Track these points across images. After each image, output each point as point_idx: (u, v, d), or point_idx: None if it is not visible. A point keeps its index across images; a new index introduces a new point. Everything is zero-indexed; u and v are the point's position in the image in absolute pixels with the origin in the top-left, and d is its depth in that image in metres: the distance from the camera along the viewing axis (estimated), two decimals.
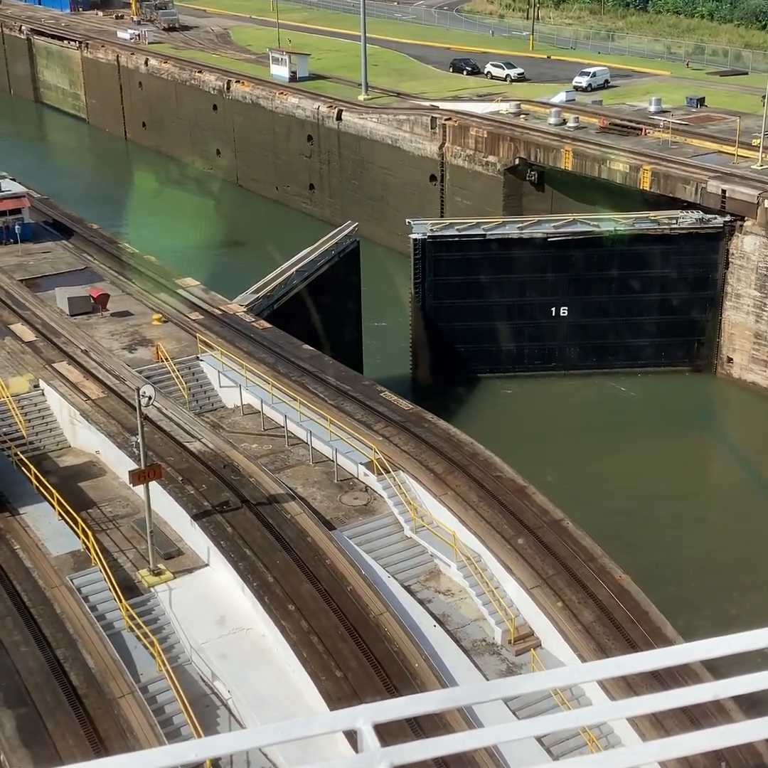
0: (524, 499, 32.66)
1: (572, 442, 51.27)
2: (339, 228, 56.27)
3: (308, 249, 52.74)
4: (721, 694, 3.37)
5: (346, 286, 54.26)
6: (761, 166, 59.71)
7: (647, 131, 67.89)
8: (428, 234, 56.46)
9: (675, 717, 22.98)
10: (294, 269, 50.56)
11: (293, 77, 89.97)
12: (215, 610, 29.06)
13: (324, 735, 3.24)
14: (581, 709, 3.41)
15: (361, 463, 34.56)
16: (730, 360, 57.88)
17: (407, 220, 59.17)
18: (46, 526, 32.10)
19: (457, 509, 32.19)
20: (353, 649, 26.65)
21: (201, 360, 41.44)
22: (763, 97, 62.16)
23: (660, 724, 23.63)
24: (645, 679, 22.44)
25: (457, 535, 31.32)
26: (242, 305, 46.75)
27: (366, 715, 3.19)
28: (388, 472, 33.72)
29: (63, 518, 31.74)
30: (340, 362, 42.61)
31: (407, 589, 30.35)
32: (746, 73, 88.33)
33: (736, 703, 22.66)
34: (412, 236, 56.42)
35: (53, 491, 32.28)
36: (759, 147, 60.55)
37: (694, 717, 22.51)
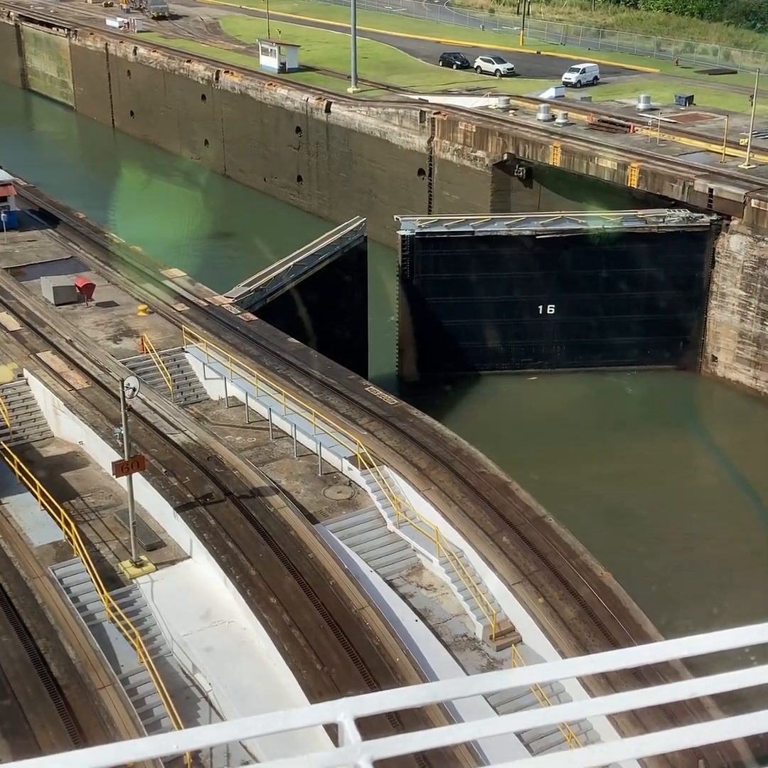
0: (507, 495, 32.75)
1: (557, 439, 51.37)
2: (345, 223, 56.16)
3: (311, 243, 52.69)
4: (700, 692, 3.39)
5: (352, 282, 54.22)
6: (748, 165, 59.89)
7: (636, 129, 68.02)
8: (416, 230, 56.41)
9: (653, 714, 23.08)
10: (292, 263, 50.49)
11: (282, 68, 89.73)
12: (197, 602, 29.05)
13: (305, 728, 3.25)
14: (561, 706, 3.44)
15: (345, 457, 34.59)
16: (714, 359, 58.10)
17: (395, 216, 59.08)
18: (28, 516, 32.03)
19: (441, 504, 32.25)
20: (335, 643, 26.69)
21: (186, 352, 41.35)
22: (752, 96, 62.35)
23: (639, 721, 23.74)
24: (625, 676, 22.56)
25: (440, 530, 31.38)
26: (232, 298, 46.60)
27: (347, 709, 3.19)
28: (372, 466, 33.75)
29: (45, 508, 31.67)
30: (342, 359, 42.56)
31: (389, 583, 30.41)
32: (735, 72, 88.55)
33: (715, 701, 22.78)
34: (401, 233, 56.36)
35: (36, 481, 32.21)
36: (746, 146, 60.73)
37: (672, 714, 22.63)
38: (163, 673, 26.50)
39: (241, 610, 28.18)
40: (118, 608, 28.03)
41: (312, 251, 52.08)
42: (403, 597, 29.95)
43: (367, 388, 39.52)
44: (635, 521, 44.71)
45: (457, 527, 31.35)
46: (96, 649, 26.49)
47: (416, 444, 35.20)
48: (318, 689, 25.30)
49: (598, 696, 3.56)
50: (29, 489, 32.54)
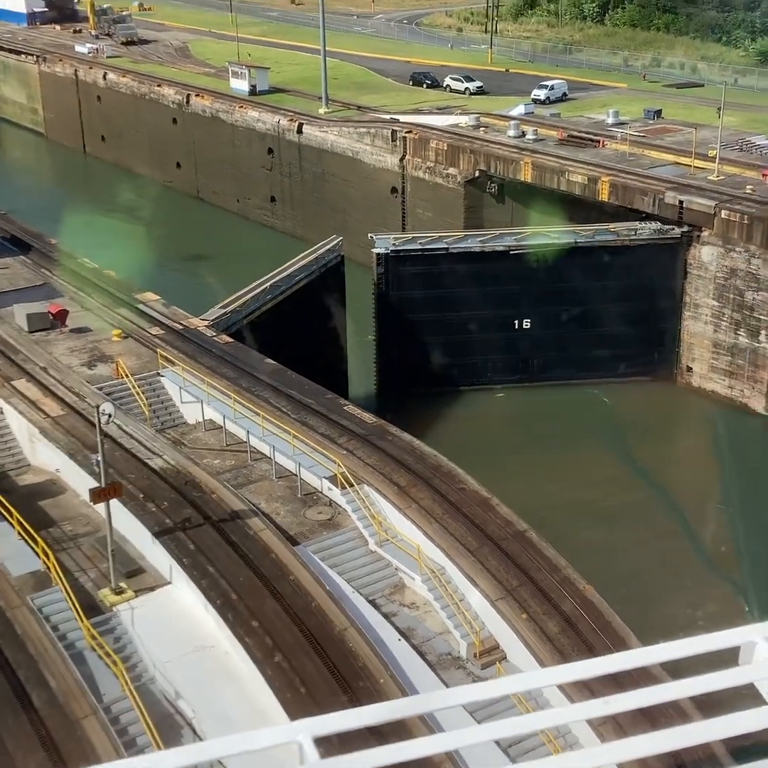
0: (488, 510, 32.71)
1: (535, 452, 51.46)
2: (321, 242, 56.21)
3: (287, 263, 52.70)
4: (678, 696, 3.43)
5: (330, 301, 54.25)
6: (717, 177, 60.40)
7: (605, 143, 68.51)
8: (391, 248, 56.55)
9: (633, 718, 23.02)
10: (269, 284, 50.44)
11: (253, 91, 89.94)
12: (178, 628, 28.81)
13: (267, 749, 3.25)
14: (539, 712, 3.46)
15: (325, 477, 34.47)
16: (689, 369, 58.41)
17: (370, 234, 59.19)
18: (5, 545, 31.70)
19: (421, 522, 32.17)
20: (318, 665, 26.51)
21: (162, 376, 41.15)
22: (719, 108, 62.93)
23: (618, 726, 23.66)
24: (603, 681, 22.49)
25: (422, 548, 31.30)
26: (208, 320, 46.49)
27: (307, 729, 3.22)
28: (352, 485, 33.64)
29: (23, 538, 31.34)
30: (322, 378, 42.49)
31: (372, 603, 30.27)
32: (702, 85, 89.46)
33: (694, 704, 22.74)
34: (375, 250, 56.48)
35: (12, 510, 31.88)
36: (715, 158, 61.25)
37: (652, 718, 22.59)
38: (146, 700, 26.22)
39: (223, 634, 27.97)
40: (98, 636, 27.74)
41: (289, 271, 52.05)
42: (386, 616, 29.82)
43: (345, 407, 39.46)
44: (613, 530, 44.78)
45: (438, 544, 31.27)
46: (77, 679, 26.20)
47: (396, 462, 35.14)
48: (302, 713, 24.97)
49: (576, 701, 3.56)
50: (6, 518, 32.21)
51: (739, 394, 56.22)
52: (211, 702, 26.41)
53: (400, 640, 28.79)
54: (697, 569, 42.96)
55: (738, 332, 55.53)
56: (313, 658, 26.68)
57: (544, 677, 3.74)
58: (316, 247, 55.68)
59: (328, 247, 55.30)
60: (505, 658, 28.65)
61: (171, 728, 26.20)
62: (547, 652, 27.55)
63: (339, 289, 55.55)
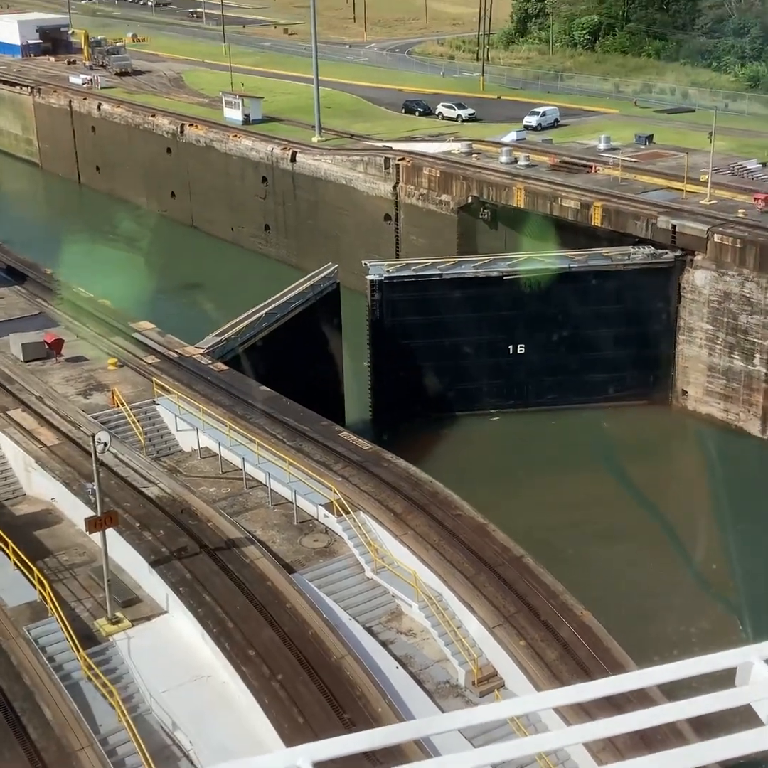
0: (484, 536, 32.66)
1: (531, 477, 51.40)
2: (317, 270, 56.38)
3: (283, 291, 52.82)
4: (675, 718, 3.44)
5: (325, 328, 54.36)
6: (710, 201, 60.71)
7: (597, 168, 68.89)
8: (385, 275, 56.71)
9: (631, 742, 22.91)
10: (264, 311, 50.53)
11: (246, 120, 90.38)
12: (175, 657, 28.69)
13: None
14: (537, 736, 3.47)
15: (321, 505, 34.43)
16: (684, 393, 58.50)
17: (363, 261, 59.37)
18: (1, 576, 31.60)
19: (418, 549, 32.11)
20: (315, 694, 26.39)
21: (157, 404, 41.17)
22: (710, 134, 63.34)
23: (616, 749, 23.53)
24: (601, 705, 22.38)
25: (418, 574, 31.21)
26: (203, 348, 46.53)
27: (306, 754, 3.31)
28: (347, 512, 33.59)
29: (18, 568, 31.26)
30: (319, 405, 42.49)
31: (369, 630, 30.16)
32: (693, 111, 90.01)
33: (690, 726, 22.65)
34: (369, 277, 56.62)
35: (8, 540, 31.80)
36: (707, 182, 61.59)
37: (649, 741, 22.49)
38: (143, 731, 26.07)
39: (220, 663, 27.85)
40: (95, 667, 27.60)
41: (284, 299, 52.17)
42: (384, 644, 29.70)
43: (340, 434, 39.46)
44: (610, 555, 44.69)
45: (435, 571, 31.20)
46: (73, 710, 26.07)
47: (391, 488, 35.10)
48: (299, 742, 24.86)
49: (574, 724, 3.58)
50: (1, 549, 32.12)
51: (734, 417, 56.28)
52: (209, 732, 26.25)
53: (397, 667, 28.67)
54: (693, 591, 42.85)
55: (732, 355, 55.66)
56: (310, 686, 26.57)
57: (540, 701, 3.76)
58: (311, 274, 55.85)
59: (323, 274, 55.47)
60: (504, 685, 28.53)
61: (168, 759, 26.03)
62: (545, 679, 27.43)
63: (335, 316, 55.67)
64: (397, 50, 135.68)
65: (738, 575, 42.64)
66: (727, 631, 39.07)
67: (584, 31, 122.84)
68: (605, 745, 23.57)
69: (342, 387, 55.07)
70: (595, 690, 3.58)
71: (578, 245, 59.62)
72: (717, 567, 44.22)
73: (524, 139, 78.74)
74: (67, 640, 28.53)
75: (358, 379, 57.53)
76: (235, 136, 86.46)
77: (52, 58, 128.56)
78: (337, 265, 57.36)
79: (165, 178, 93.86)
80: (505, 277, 56.74)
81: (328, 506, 34.07)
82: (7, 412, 40.00)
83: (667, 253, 57.02)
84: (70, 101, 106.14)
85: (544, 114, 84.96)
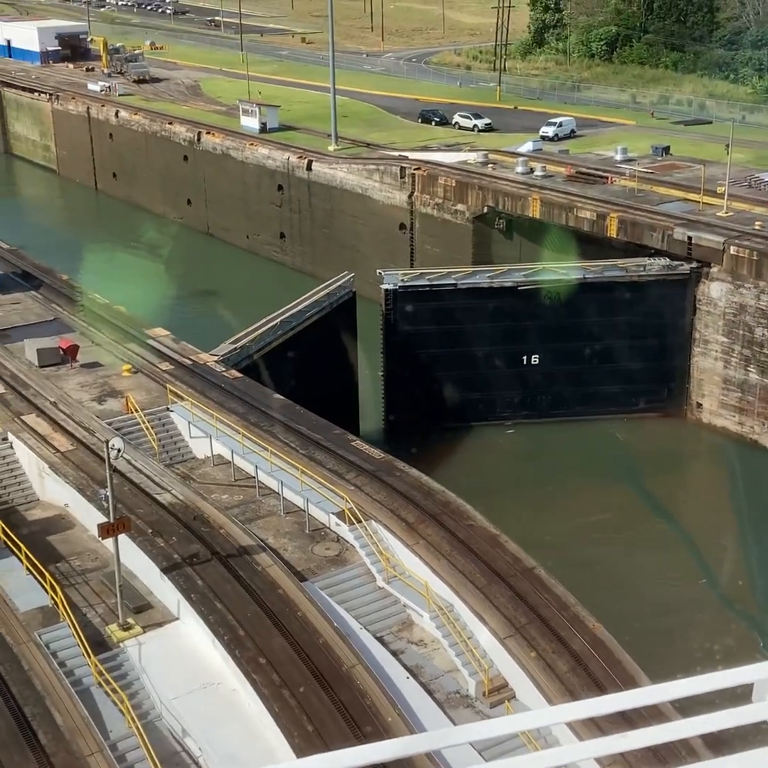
0: (496, 547, 32.56)
1: (544, 489, 51.28)
2: (333, 278, 56.47)
3: (299, 299, 52.93)
4: (690, 733, 3.39)
5: (341, 336, 54.43)
6: (726, 213, 60.57)
7: (613, 179, 68.82)
8: (399, 284, 56.71)
9: (643, 758, 22.80)
10: (279, 319, 50.61)
11: (263, 128, 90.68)
12: (186, 664, 28.68)
13: None
14: (548, 750, 3.43)
15: (333, 513, 34.40)
16: (699, 405, 58.27)
17: (378, 271, 59.39)
18: (13, 581, 31.66)
19: (429, 558, 32.04)
20: (326, 703, 26.34)
21: (171, 411, 41.23)
22: (727, 145, 63.21)
23: (629, 765, 23.43)
24: (613, 719, 22.26)
25: (430, 584, 31.14)
26: (217, 355, 46.60)
27: (317, 766, 3.33)
28: (359, 521, 33.55)
29: (31, 573, 31.32)
30: (333, 414, 42.50)
31: (380, 640, 30.09)
32: (710, 122, 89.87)
33: (703, 742, 22.52)
34: (384, 287, 56.63)
35: (21, 545, 31.87)
36: (724, 194, 61.45)
37: (662, 757, 22.37)
38: (152, 738, 26.06)
39: (230, 671, 27.82)
40: (105, 672, 27.63)
41: (300, 307, 52.25)
42: (394, 653, 29.63)
43: (353, 443, 39.43)
44: (624, 567, 44.51)
45: (446, 581, 31.11)
46: (84, 715, 26.07)
47: (404, 498, 35.05)
48: (309, 751, 24.90)
49: (586, 739, 3.54)
50: (14, 553, 32.19)
51: (749, 430, 56.02)
52: (218, 740, 26.22)
53: (408, 677, 28.58)
54: (709, 604, 42.63)
55: (748, 368, 55.43)
56: (320, 695, 26.52)
57: (552, 715, 3.72)
58: (328, 282, 55.93)
59: (339, 283, 55.55)
60: (514, 696, 28.41)
61: (177, 766, 26.03)
62: (556, 691, 27.31)
63: (351, 325, 55.74)
64: (414, 60, 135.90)
65: (756, 589, 42.43)
66: (747, 646, 38.78)
67: (602, 42, 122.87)
68: (616, 758, 23.43)
69: (357, 396, 55.13)
70: (609, 705, 3.53)
71: (594, 256, 59.53)
72: (732, 580, 44.00)
73: (540, 149, 78.75)
74: (79, 645, 28.56)
75: (373, 388, 57.58)
76: (252, 144, 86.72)
77: (71, 65, 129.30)
78: (353, 274, 57.43)
79: (181, 186, 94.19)
80: (519, 288, 56.69)
81: (340, 515, 34.05)
82: (22, 418, 40.13)
83: (682, 264, 56.87)
84: (88, 108, 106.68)
85: (560, 124, 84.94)
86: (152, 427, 39.86)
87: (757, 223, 58.42)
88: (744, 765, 3.22)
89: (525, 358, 57.64)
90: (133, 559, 31.90)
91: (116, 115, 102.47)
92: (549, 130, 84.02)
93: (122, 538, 30.18)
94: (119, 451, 29.60)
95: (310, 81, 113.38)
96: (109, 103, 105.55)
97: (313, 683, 26.82)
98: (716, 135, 78.14)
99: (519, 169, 71.18)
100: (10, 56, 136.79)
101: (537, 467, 54.97)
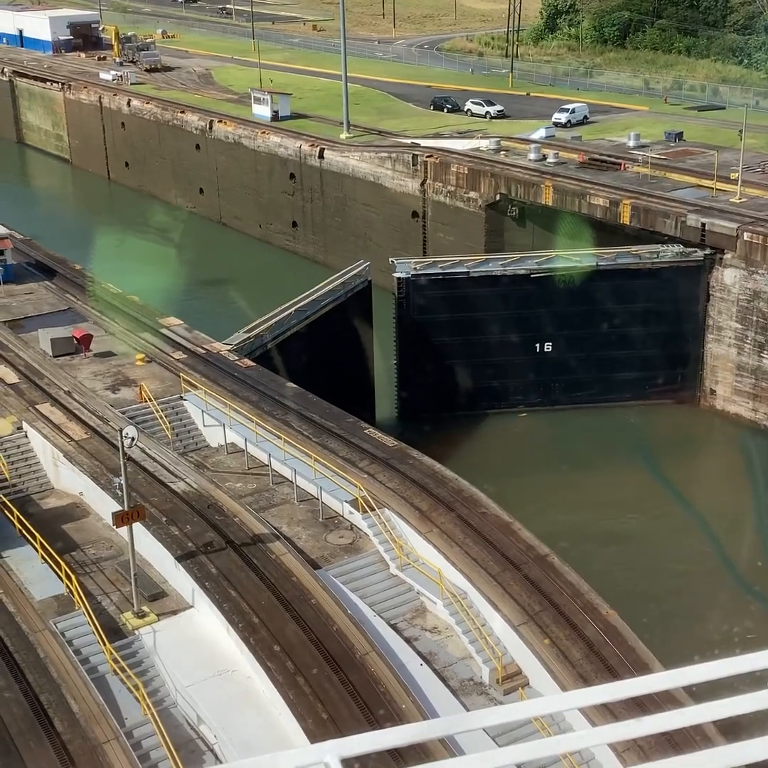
0: (510, 534, 32.60)
1: (558, 476, 51.26)
2: (349, 267, 56.48)
3: (314, 288, 52.95)
4: (705, 719, 3.39)
5: (356, 325, 54.49)
6: (740, 199, 60.27)
7: (626, 166, 68.53)
8: (412, 273, 56.66)
9: (657, 743, 22.83)
10: (294, 308, 50.64)
11: (275, 116, 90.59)
12: (200, 652, 28.83)
13: None
14: (562, 736, 3.45)
15: (346, 501, 34.48)
16: (713, 392, 58.12)
17: (391, 259, 59.33)
18: (29, 569, 31.88)
19: (443, 546, 32.10)
20: (340, 689, 26.45)
21: (185, 399, 41.36)
22: (740, 131, 62.86)
23: (642, 751, 23.46)
24: (626, 706, 22.29)
25: (443, 572, 31.21)
26: (230, 344, 46.67)
27: (334, 750, 3.31)
28: (373, 509, 33.63)
29: (46, 561, 31.51)
30: (349, 402, 42.57)
31: (393, 627, 30.19)
32: (723, 108, 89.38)
33: (717, 729, 22.54)
34: (396, 275, 56.59)
35: (36, 534, 32.06)
36: (737, 180, 61.14)
37: (676, 743, 22.40)
38: (168, 725, 26.23)
39: (245, 658, 27.96)
40: (120, 660, 27.80)
41: (315, 296, 52.27)
42: (408, 641, 29.72)
43: (366, 431, 39.48)
44: (638, 554, 44.50)
45: (460, 569, 31.17)
46: (99, 703, 26.25)
47: (417, 486, 35.11)
48: (324, 738, 24.93)
49: (599, 725, 3.55)
50: (29, 542, 32.39)
51: (762, 416, 55.85)
52: (233, 727, 26.37)
53: (421, 664, 28.67)
54: (725, 590, 42.58)
55: (761, 355, 55.24)
56: (334, 681, 26.63)
57: (566, 701, 3.73)
58: (343, 271, 55.92)
59: (355, 271, 55.54)
60: (528, 683, 28.48)
61: (192, 753, 26.18)
62: (570, 678, 27.37)
63: (366, 314, 55.76)
64: (425, 47, 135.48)
65: None
66: (765, 630, 38.69)
67: (614, 28, 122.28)
68: (630, 745, 23.49)
69: (373, 384, 55.19)
70: (622, 690, 3.54)
71: (607, 243, 59.34)
72: (750, 564, 43.93)
73: (553, 136, 78.44)
74: (94, 633, 28.74)
75: (388, 376, 57.62)
76: (264, 132, 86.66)
77: (83, 54, 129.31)
78: (368, 263, 57.40)
79: (194, 175, 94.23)
80: (532, 275, 56.58)
81: (354, 503, 34.13)
82: (36, 406, 40.31)
83: (696, 251, 56.65)
84: (100, 97, 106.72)
85: (573, 111, 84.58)
86: (166, 416, 40.00)
87: None
88: (761, 750, 3.22)
89: (538, 345, 57.56)
90: (148, 547, 32.05)
91: (128, 104, 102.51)
92: (562, 117, 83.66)
93: (136, 526, 30.32)
94: (133, 439, 29.71)
95: (321, 68, 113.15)
96: (121, 92, 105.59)
97: (327, 670, 26.94)
98: (729, 120, 77.70)
99: (531, 156, 70.95)
100: (22, 45, 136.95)
101: (550, 453, 54.94)
